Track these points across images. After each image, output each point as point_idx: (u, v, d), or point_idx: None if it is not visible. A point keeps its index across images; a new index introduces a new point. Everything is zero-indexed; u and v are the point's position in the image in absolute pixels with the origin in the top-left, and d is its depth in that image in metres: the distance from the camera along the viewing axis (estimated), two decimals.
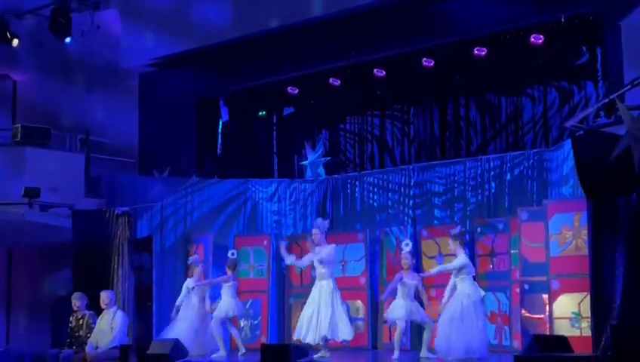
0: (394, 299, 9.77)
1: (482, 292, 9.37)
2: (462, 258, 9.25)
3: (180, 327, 10.63)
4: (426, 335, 9.69)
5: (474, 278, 9.42)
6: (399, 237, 11.24)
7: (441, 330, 9.21)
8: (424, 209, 11.70)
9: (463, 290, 9.12)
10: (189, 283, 10.91)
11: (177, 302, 10.85)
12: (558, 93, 11.62)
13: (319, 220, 10.46)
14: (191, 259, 11.20)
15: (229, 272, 10.83)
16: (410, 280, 9.62)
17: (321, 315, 9.82)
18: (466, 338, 8.92)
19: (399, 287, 9.65)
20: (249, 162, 14.13)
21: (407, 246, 9.87)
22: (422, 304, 9.88)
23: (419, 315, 9.67)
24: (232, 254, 11.10)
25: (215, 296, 10.92)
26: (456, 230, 9.54)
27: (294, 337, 10.22)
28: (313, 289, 10.09)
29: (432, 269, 9.88)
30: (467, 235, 9.93)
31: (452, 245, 9.43)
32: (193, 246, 12.19)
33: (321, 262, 9.97)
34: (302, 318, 10.07)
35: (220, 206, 12.70)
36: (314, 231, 10.19)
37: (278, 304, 12.26)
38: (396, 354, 9.56)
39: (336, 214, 12.66)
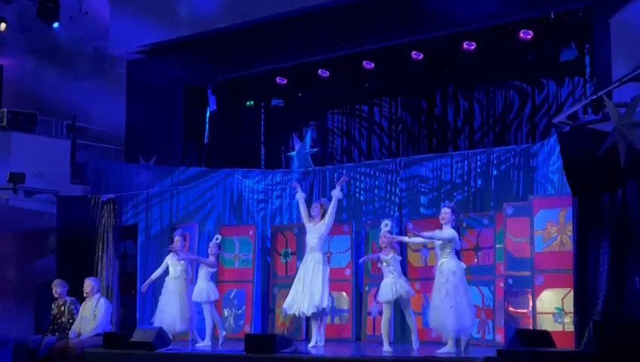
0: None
1: (464, 265, 9.26)
2: (451, 231, 9.10)
3: (169, 306, 10.63)
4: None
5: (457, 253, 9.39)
6: None
7: (432, 309, 9.11)
8: (410, 201, 11.70)
9: (448, 267, 8.97)
10: (170, 258, 10.80)
11: (153, 276, 10.75)
12: (546, 89, 11.64)
13: (324, 199, 10.50)
14: (175, 232, 11.10)
15: (212, 258, 10.85)
16: (388, 256, 9.58)
17: (306, 289, 9.84)
18: (456, 315, 8.81)
19: (383, 268, 9.62)
20: (236, 152, 14.08)
21: (385, 227, 9.81)
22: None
23: (404, 290, 9.52)
24: (217, 239, 11.13)
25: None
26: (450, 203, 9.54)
27: (282, 307, 10.27)
28: (302, 263, 10.16)
29: (424, 233, 9.58)
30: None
31: (443, 218, 9.21)
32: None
33: (319, 236, 10.01)
34: (291, 291, 10.09)
35: (206, 195, 12.70)
36: (317, 204, 10.23)
37: (263, 294, 12.27)
38: (386, 346, 9.39)
39: None
